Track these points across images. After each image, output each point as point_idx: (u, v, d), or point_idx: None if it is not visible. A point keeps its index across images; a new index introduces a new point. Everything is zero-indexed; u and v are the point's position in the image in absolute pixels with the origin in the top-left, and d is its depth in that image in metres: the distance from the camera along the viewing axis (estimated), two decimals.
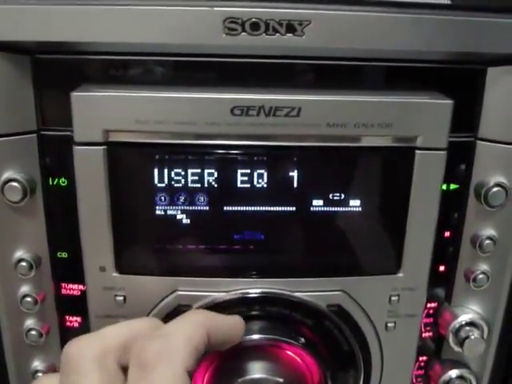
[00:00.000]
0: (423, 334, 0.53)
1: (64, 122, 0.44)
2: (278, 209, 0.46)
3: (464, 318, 0.51)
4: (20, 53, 0.43)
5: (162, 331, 0.38)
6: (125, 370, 0.37)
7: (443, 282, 0.51)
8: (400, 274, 0.48)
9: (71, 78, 0.44)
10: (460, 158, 0.48)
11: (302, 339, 0.47)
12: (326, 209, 0.46)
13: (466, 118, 0.47)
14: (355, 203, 0.46)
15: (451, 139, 0.45)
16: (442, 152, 0.45)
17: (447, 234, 0.50)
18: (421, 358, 0.54)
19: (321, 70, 0.45)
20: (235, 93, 0.42)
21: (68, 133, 0.43)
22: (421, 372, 0.54)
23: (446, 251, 0.50)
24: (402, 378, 0.52)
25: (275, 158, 0.45)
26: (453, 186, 0.48)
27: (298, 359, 0.48)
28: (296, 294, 0.47)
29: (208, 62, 0.44)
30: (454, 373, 0.53)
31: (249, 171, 0.45)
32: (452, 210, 0.49)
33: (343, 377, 0.49)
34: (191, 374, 0.36)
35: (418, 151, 0.44)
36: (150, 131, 0.42)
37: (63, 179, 0.46)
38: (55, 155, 0.46)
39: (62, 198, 0.46)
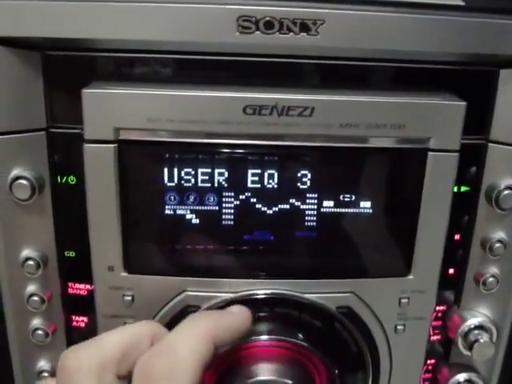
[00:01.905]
0: (431, 338, 0.52)
1: (74, 120, 0.43)
2: (288, 209, 0.45)
3: (473, 321, 0.50)
4: (31, 49, 0.42)
5: (166, 344, 0.37)
6: (123, 379, 0.36)
7: (452, 285, 0.51)
8: (410, 277, 0.47)
9: (82, 75, 0.43)
10: (471, 161, 0.47)
11: (311, 341, 0.46)
12: (336, 210, 0.46)
13: (478, 121, 0.46)
14: (366, 205, 0.46)
15: (462, 141, 0.45)
16: (454, 154, 0.44)
17: (457, 236, 0.49)
18: (429, 361, 0.53)
19: (334, 69, 0.45)
20: (248, 92, 0.41)
21: (77, 130, 0.43)
22: (429, 375, 0.54)
23: (455, 254, 0.50)
24: (411, 381, 0.52)
25: (286, 158, 0.44)
26: (463, 188, 0.48)
27: (307, 361, 0.47)
28: (305, 295, 0.47)
29: (221, 60, 0.43)
30: (461, 376, 0.52)
31: (259, 171, 0.44)
32: (462, 212, 0.49)
33: (352, 379, 0.49)
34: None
35: (430, 153, 0.44)
36: (161, 129, 0.42)
37: (72, 177, 0.46)
38: (64, 153, 0.45)
39: (70, 197, 0.46)
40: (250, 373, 0.45)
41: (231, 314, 0.43)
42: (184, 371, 0.35)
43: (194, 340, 0.37)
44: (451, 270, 0.50)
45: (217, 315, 0.41)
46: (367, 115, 0.42)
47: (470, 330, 0.50)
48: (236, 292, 0.46)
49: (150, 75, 0.44)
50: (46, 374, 0.50)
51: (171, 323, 0.46)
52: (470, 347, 0.50)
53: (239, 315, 0.42)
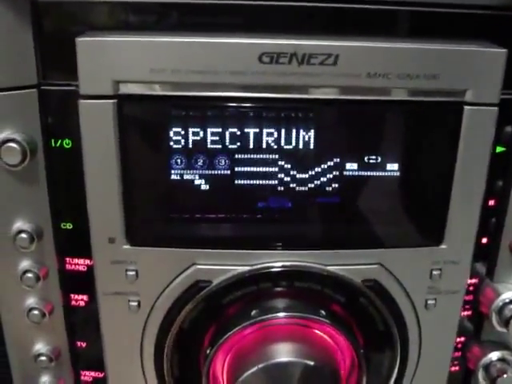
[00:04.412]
0: (461, 313, 0.49)
1: (68, 75, 0.40)
2: (307, 173, 0.42)
3: (508, 295, 0.47)
4: None
5: None
6: None
7: (485, 255, 0.48)
8: (443, 246, 0.44)
9: (76, 25, 0.40)
10: (507, 118, 0.43)
11: (334, 318, 0.43)
12: (361, 173, 0.42)
13: None
14: (393, 167, 0.42)
15: None
16: (493, 108, 0.41)
17: (491, 202, 0.46)
18: (458, 340, 0.50)
19: (361, 15, 0.40)
20: (264, 38, 0.38)
21: (73, 87, 0.40)
22: (458, 354, 0.51)
23: (489, 221, 0.47)
24: (441, 360, 0.49)
25: (307, 113, 0.40)
26: (499, 149, 0.44)
27: (329, 340, 0.44)
28: (328, 267, 0.44)
29: (233, 4, 0.39)
30: (494, 355, 0.49)
31: (275, 130, 0.41)
32: (497, 175, 0.45)
33: (378, 359, 0.47)
34: None
35: (466, 107, 0.40)
36: (165, 82, 0.38)
37: (67, 140, 0.42)
38: (58, 113, 0.42)
39: (65, 162, 0.43)
40: (267, 354, 0.42)
41: None
42: None
43: None
44: (484, 239, 0.47)
45: None
46: (398, 64, 0.38)
47: (505, 304, 0.47)
48: (251, 265, 0.44)
49: (153, 24, 0.40)
50: (43, 358, 0.48)
51: (179, 300, 0.44)
52: (506, 323, 0.47)
53: None
